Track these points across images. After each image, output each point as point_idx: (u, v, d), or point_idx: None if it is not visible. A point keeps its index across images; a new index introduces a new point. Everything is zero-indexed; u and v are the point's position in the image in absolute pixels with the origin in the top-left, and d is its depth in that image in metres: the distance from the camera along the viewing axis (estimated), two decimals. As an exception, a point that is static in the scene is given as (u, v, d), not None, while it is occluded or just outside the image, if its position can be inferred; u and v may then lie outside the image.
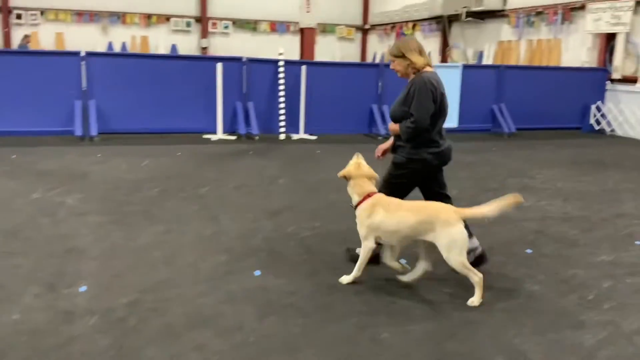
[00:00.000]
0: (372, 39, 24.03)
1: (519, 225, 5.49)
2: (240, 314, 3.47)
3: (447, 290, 3.92)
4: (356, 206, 3.97)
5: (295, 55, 18.32)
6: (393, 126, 4.22)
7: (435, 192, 4.20)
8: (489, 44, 16.76)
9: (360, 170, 4.01)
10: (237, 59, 10.77)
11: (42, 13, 20.87)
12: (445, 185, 4.28)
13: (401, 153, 4.14)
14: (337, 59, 22.28)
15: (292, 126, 10.96)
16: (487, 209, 3.72)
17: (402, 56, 4.10)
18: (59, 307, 3.46)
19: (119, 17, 21.64)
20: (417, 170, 4.11)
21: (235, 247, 4.66)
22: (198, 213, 5.61)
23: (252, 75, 10.77)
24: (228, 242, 4.78)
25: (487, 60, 16.69)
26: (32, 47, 19.12)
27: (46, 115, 9.66)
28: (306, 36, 13.35)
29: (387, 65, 12.02)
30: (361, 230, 3.91)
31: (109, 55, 13.99)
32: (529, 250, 4.76)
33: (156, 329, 3.25)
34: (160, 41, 22.25)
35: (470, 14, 16.47)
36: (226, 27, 22.83)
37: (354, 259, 4.09)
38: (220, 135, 10.50)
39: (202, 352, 3.01)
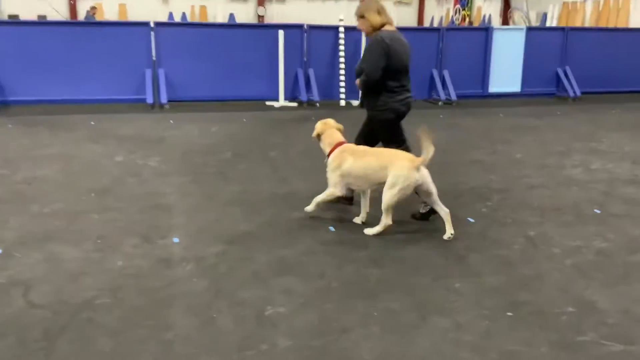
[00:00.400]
0: (430, 2, 23.60)
1: (587, 187, 5.52)
2: (320, 264, 3.74)
3: (516, 247, 4.06)
4: (327, 156, 4.36)
5: (352, 21, 18.31)
6: (358, 82, 4.60)
7: (401, 140, 4.63)
8: (552, 6, 16.22)
9: (327, 125, 4.48)
10: (298, 27, 10.92)
11: (106, -15, 21.54)
12: (404, 134, 4.68)
13: (372, 108, 4.60)
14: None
15: (352, 92, 11.07)
16: (429, 151, 3.98)
17: (363, 17, 4.47)
18: (156, 255, 3.83)
19: (179, -12, 22.07)
20: (389, 117, 4.54)
21: (307, 205, 4.92)
22: (270, 175, 5.91)
23: (313, 42, 10.92)
24: (300, 201, 5.02)
25: (551, 22, 16.19)
26: (97, 18, 19.82)
27: (119, 84, 10.15)
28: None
29: (449, 29, 11.95)
30: (331, 177, 4.30)
31: (177, 25, 14.37)
32: (597, 210, 4.82)
33: (245, 275, 3.56)
34: (218, 10, 22.62)
35: (534, -25, 15.97)
36: (283, -5, 22.94)
37: (421, 216, 4.41)
38: (282, 102, 10.75)
39: (289, 295, 3.30)
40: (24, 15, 20.73)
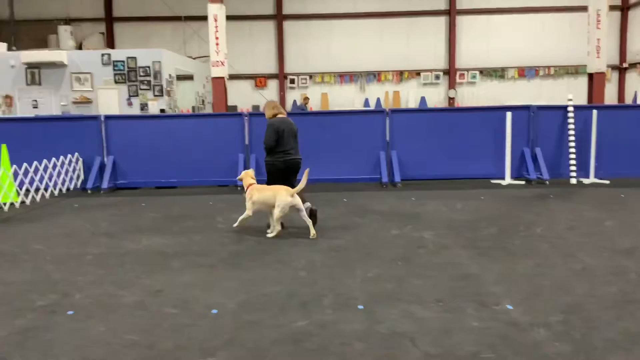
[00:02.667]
0: (631, 77, 22.62)
1: None
2: (674, 338, 3.81)
3: None
4: (245, 191, 7.12)
5: (581, 101, 18.34)
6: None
7: (291, 184, 7.10)
8: None
9: (247, 174, 7.25)
10: (525, 107, 11.24)
11: (310, 77, 24.02)
12: (295, 181, 7.23)
13: (265, 160, 7.27)
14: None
15: (581, 170, 10.97)
16: (299, 187, 6.70)
17: (265, 110, 7.47)
18: (502, 319, 4.18)
19: (375, 76, 23.82)
20: (273, 169, 7.18)
21: (615, 281, 5.01)
22: (552, 250, 6.08)
23: (540, 121, 11.12)
24: (605, 276, 5.14)
25: None
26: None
27: (357, 165, 11.17)
28: (596, 81, 13.32)
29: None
30: (247, 204, 6.99)
31: (408, 111, 15.48)
32: None
33: (602, 342, 3.75)
34: (410, 95, 23.89)
35: None
36: (473, 77, 23.58)
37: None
38: (508, 180, 10.97)
39: (667, 365, 3.43)
40: (241, 106, 23.78)
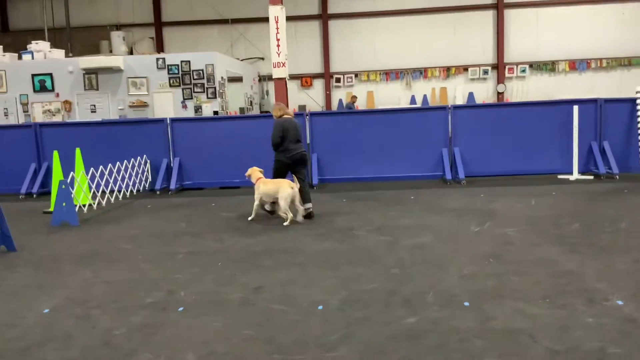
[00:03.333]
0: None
1: None
2: None
3: None
4: (254, 185, 8.01)
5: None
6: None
7: (297, 177, 8.02)
8: None
9: (254, 170, 8.13)
10: (593, 101, 10.98)
11: (356, 75, 23.98)
12: (303, 174, 8.19)
13: (274, 158, 8.14)
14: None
15: (653, 164, 10.67)
16: (296, 183, 7.68)
17: (272, 112, 8.40)
18: (617, 316, 4.11)
19: (421, 73, 23.63)
20: (279, 164, 8.08)
21: None
22: (644, 245, 5.95)
23: (608, 115, 10.85)
24: None
25: None
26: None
27: (418, 162, 11.12)
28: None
29: None
30: (256, 195, 7.90)
31: (470, 107, 15.36)
32: None
33: None
34: (457, 91, 23.60)
35: None
36: (523, 71, 23.16)
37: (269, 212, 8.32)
38: (576, 175, 10.74)
39: None
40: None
